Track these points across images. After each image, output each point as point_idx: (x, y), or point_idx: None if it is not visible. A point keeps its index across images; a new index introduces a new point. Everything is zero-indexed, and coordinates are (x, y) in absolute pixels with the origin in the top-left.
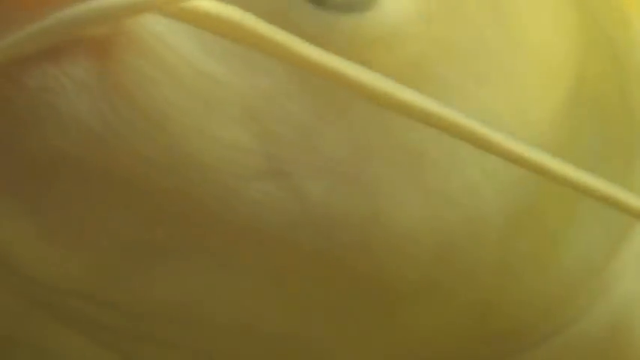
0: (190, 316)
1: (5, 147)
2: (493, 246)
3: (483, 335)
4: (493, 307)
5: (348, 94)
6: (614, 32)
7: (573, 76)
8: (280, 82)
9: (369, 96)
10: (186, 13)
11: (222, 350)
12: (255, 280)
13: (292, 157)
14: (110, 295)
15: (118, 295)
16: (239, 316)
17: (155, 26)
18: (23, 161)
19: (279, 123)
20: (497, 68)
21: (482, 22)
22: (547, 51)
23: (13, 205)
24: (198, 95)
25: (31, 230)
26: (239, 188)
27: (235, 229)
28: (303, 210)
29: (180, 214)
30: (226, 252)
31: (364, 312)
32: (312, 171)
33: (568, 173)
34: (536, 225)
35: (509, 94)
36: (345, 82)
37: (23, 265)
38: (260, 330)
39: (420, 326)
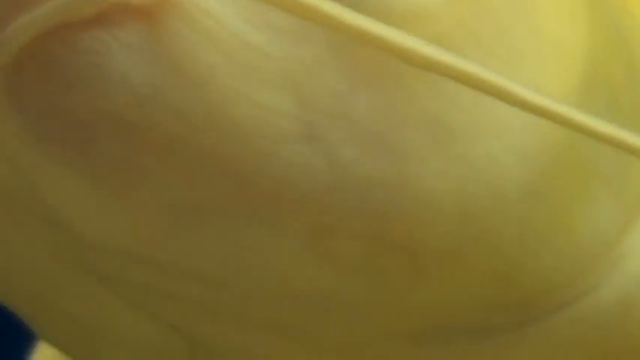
0: (227, 276)
1: (54, 105)
2: (513, 216)
3: (500, 303)
4: (511, 276)
5: (381, 65)
6: (621, 21)
7: (586, 60)
8: (318, 52)
9: (409, 60)
10: None
11: (257, 310)
12: (289, 239)
13: (327, 122)
14: (153, 254)
15: (161, 254)
16: (274, 276)
17: None
18: (71, 119)
19: (315, 90)
20: (514, 52)
21: (501, 6)
22: (561, 36)
23: (62, 164)
24: (238, 61)
25: (78, 188)
26: (275, 150)
27: (271, 190)
28: (335, 173)
29: (219, 174)
30: (262, 212)
31: (392, 272)
32: (345, 137)
33: (592, 124)
34: (552, 197)
35: (526, 77)
36: (387, 47)
37: (71, 223)
38: (293, 289)
39: (442, 291)
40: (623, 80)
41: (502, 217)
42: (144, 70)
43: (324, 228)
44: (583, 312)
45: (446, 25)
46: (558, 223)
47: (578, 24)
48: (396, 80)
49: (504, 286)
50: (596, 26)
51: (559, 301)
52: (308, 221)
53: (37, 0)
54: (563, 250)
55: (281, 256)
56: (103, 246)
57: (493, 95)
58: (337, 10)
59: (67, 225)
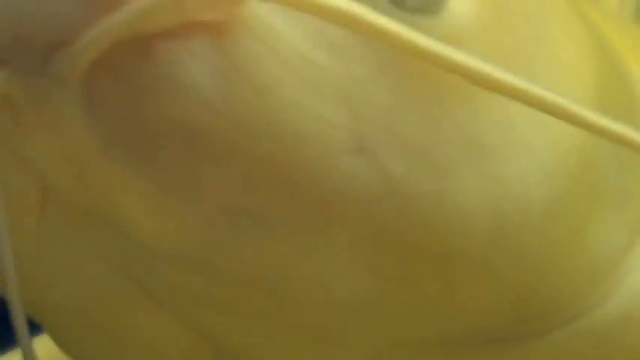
0: (275, 283)
1: (126, 113)
2: (536, 232)
3: (518, 315)
4: (530, 290)
5: (424, 85)
6: (621, 67)
7: (596, 87)
8: (370, 70)
9: (467, 76)
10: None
11: (298, 316)
12: (335, 247)
13: (377, 136)
14: (206, 260)
15: (214, 259)
16: (319, 283)
17: (264, 12)
18: (141, 126)
19: (367, 106)
20: (537, 76)
21: (524, 36)
22: (574, 65)
23: (129, 169)
24: (299, 75)
25: (142, 193)
26: (328, 161)
27: (322, 199)
28: (383, 185)
29: (275, 182)
30: (312, 221)
31: (428, 281)
32: (393, 150)
33: (631, 135)
34: (570, 215)
35: None
36: (444, 64)
37: (130, 227)
38: (335, 296)
39: (471, 301)
40: (626, 117)
41: (527, 233)
42: (212, 81)
43: (369, 237)
44: (589, 325)
45: (479, 51)
46: (574, 241)
47: (585, 56)
48: (437, 99)
49: (524, 298)
50: (601, 63)
51: (570, 314)
52: (354, 230)
53: (112, 10)
54: (577, 266)
55: (327, 263)
56: (157, 250)
57: (538, 108)
58: (394, 27)
59: (123, 228)
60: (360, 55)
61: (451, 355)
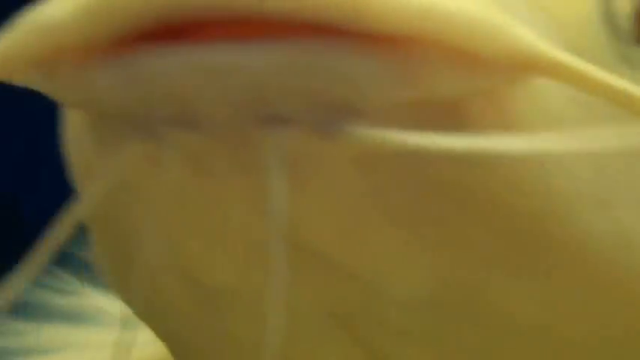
0: (494, 324)
1: (404, 174)
2: None
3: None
4: None
5: None
6: None
7: None
8: (612, 124)
9: None
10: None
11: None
12: (556, 290)
13: (616, 191)
14: (444, 303)
15: (452, 303)
16: (538, 324)
17: None
18: (419, 188)
19: (609, 160)
20: None
21: None
22: None
23: (402, 227)
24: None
25: (406, 249)
26: (575, 214)
27: (568, 252)
28: (621, 236)
29: (529, 233)
30: (556, 272)
31: (615, 317)
32: (627, 204)
33: None
34: None
35: None
36: None
37: (371, 277)
38: (556, 336)
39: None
40: None
41: None
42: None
43: (593, 284)
44: None
45: None
46: None
47: None
48: None
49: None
50: None
51: None
52: (581, 278)
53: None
54: None
55: (550, 305)
56: (389, 295)
57: None
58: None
59: (365, 277)
60: (602, 108)
61: None
